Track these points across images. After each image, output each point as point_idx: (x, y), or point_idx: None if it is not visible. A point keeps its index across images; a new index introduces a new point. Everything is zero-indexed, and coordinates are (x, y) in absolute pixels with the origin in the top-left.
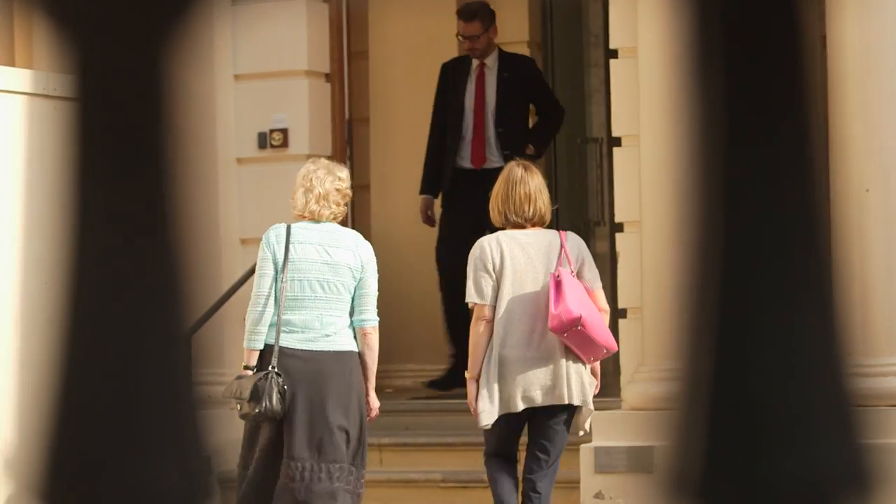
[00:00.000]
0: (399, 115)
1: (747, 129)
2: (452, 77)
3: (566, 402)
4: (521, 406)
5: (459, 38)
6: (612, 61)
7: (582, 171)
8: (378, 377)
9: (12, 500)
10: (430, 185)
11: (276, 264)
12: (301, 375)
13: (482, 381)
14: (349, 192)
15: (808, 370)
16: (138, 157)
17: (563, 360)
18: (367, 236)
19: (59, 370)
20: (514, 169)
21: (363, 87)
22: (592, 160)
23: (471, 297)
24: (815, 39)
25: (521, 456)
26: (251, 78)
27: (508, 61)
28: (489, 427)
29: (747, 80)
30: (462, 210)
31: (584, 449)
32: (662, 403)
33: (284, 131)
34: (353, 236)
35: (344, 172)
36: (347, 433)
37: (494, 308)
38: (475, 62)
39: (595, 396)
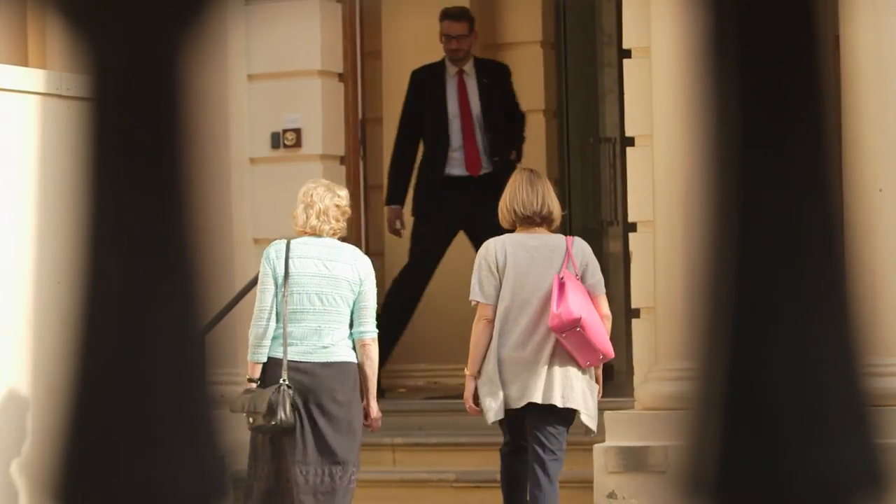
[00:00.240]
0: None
1: (761, 129)
2: (428, 84)
3: (552, 402)
4: (515, 404)
5: (443, 38)
6: (626, 61)
7: (595, 171)
8: (390, 377)
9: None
10: (398, 194)
11: (276, 279)
12: (301, 386)
13: (484, 379)
14: (348, 209)
15: (822, 369)
16: (152, 157)
17: (555, 363)
18: (378, 237)
19: (73, 370)
20: (523, 172)
21: (376, 87)
22: (606, 160)
23: (474, 295)
24: (829, 39)
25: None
26: (264, 78)
27: (485, 67)
28: (497, 423)
29: (761, 80)
30: (446, 218)
31: (598, 449)
32: (676, 403)
33: (298, 131)
34: (351, 251)
35: (343, 191)
36: (346, 440)
37: (496, 308)
38: (452, 69)
39: (608, 396)
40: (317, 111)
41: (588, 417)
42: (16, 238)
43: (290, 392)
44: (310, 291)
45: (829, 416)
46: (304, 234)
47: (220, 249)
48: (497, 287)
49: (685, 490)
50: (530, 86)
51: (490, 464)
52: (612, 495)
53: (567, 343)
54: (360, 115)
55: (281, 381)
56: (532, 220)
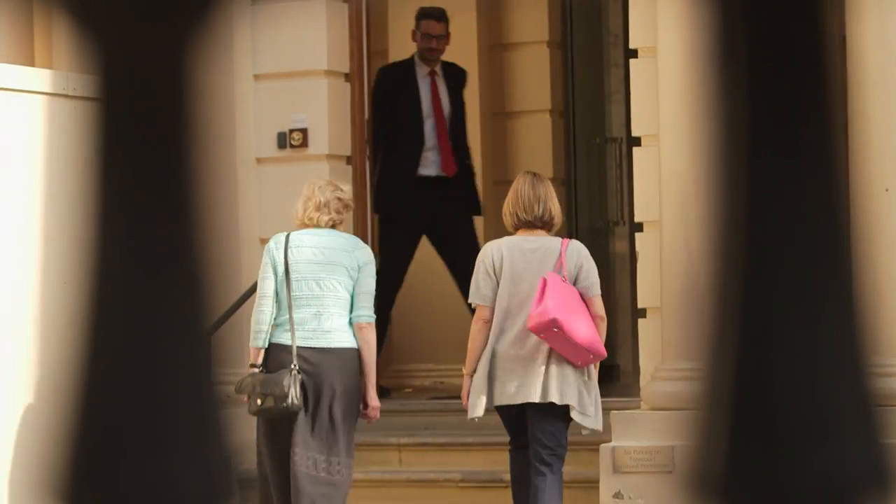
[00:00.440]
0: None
1: (768, 129)
2: (400, 83)
3: (548, 400)
4: (506, 401)
5: (422, 37)
6: (632, 61)
7: (602, 171)
8: (396, 377)
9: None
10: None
11: (275, 268)
12: (306, 372)
13: (476, 375)
14: (351, 203)
15: (829, 369)
16: (158, 156)
17: (553, 362)
18: None
19: (79, 370)
20: (526, 176)
21: None
22: (612, 160)
23: (472, 296)
24: (836, 39)
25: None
26: (271, 78)
27: (451, 70)
28: (476, 419)
29: (768, 80)
30: (416, 219)
31: (604, 449)
32: (682, 403)
33: (304, 131)
34: (351, 240)
35: (346, 186)
36: (345, 426)
37: (493, 309)
38: (424, 68)
39: (614, 396)
40: (323, 111)
41: (581, 416)
42: (22, 238)
43: (300, 377)
44: (308, 278)
45: (836, 417)
46: (304, 226)
47: (226, 249)
48: (494, 289)
49: (692, 490)
50: (536, 86)
51: (496, 464)
52: (618, 495)
53: (550, 343)
54: (366, 115)
55: (292, 367)
56: (533, 224)
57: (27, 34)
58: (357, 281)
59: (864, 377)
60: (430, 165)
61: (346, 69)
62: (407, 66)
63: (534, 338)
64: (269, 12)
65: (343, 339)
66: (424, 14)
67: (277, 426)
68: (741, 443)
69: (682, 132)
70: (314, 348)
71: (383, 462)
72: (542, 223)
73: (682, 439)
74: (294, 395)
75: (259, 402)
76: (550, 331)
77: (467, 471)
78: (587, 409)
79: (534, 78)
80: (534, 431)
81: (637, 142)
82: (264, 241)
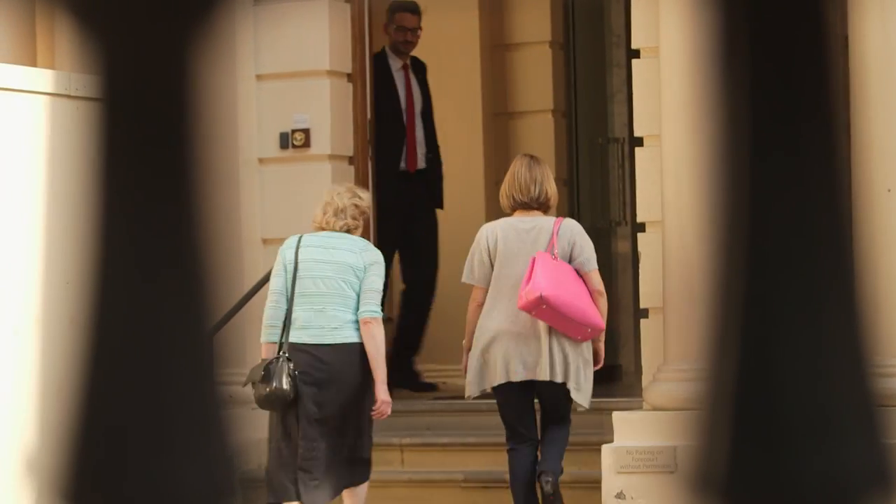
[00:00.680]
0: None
1: (771, 129)
2: (378, 76)
3: (548, 378)
4: (503, 378)
5: (397, 30)
6: (634, 61)
7: (604, 171)
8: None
9: (36, 500)
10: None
11: (286, 266)
12: (310, 368)
13: (472, 354)
14: (367, 210)
15: (831, 369)
16: (160, 157)
17: (548, 338)
18: None
19: (82, 370)
20: (523, 158)
21: None
22: (614, 160)
23: (465, 276)
24: (838, 39)
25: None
26: (273, 78)
27: (417, 64)
28: (473, 398)
29: (770, 80)
30: (399, 216)
31: (606, 449)
32: (685, 403)
33: (306, 131)
34: (360, 242)
35: (365, 193)
36: (354, 420)
37: (487, 290)
38: (398, 62)
39: (617, 396)
40: (325, 111)
41: (576, 392)
42: (25, 238)
43: (289, 365)
44: (314, 276)
45: (838, 417)
46: (321, 229)
47: (229, 249)
48: (488, 270)
49: (694, 490)
50: (539, 86)
51: (498, 464)
52: (620, 495)
53: (545, 320)
54: (368, 116)
55: (280, 354)
56: (528, 206)
57: (29, 34)
58: (363, 280)
59: (866, 377)
60: (405, 160)
61: (349, 69)
62: (381, 60)
63: (529, 315)
64: (272, 12)
65: (347, 335)
66: (399, 7)
67: (283, 417)
68: (743, 443)
69: (685, 132)
70: (320, 345)
71: (386, 462)
72: (537, 204)
73: (685, 439)
74: (280, 380)
75: (255, 391)
76: (540, 307)
77: (470, 471)
78: (583, 386)
79: (536, 78)
80: (543, 407)
81: (639, 142)
82: (266, 242)
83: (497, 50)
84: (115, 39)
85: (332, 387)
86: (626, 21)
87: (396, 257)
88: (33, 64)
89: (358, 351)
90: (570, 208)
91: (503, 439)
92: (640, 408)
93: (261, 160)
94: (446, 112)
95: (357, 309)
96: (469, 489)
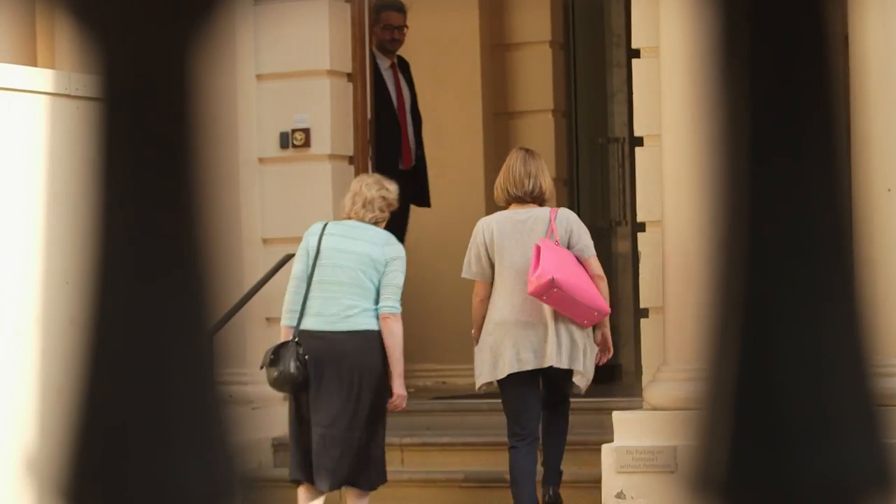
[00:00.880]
0: (421, 115)
1: (771, 129)
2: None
3: (555, 365)
4: (513, 368)
5: (384, 28)
6: (635, 61)
7: (604, 171)
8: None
9: (36, 500)
10: None
11: (308, 252)
12: (324, 354)
13: (478, 347)
14: (395, 203)
15: (831, 369)
16: (160, 157)
17: (560, 325)
18: None
19: (82, 370)
20: (518, 152)
21: None
22: (614, 160)
23: (464, 272)
24: (838, 39)
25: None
26: (273, 78)
27: (402, 63)
28: (482, 389)
29: (771, 79)
30: (398, 215)
31: (606, 448)
32: (685, 403)
33: (306, 131)
34: (385, 235)
35: (392, 185)
36: (368, 407)
37: (490, 283)
38: (386, 61)
39: (617, 396)
40: (325, 111)
41: (580, 377)
42: (25, 238)
43: (298, 349)
44: (334, 264)
45: (838, 417)
46: (349, 219)
47: (229, 249)
48: (487, 264)
49: (694, 490)
50: (539, 86)
51: (499, 463)
52: (620, 495)
53: (553, 305)
54: (368, 115)
55: (291, 338)
56: (523, 199)
57: (30, 34)
58: (384, 274)
59: (866, 377)
60: (400, 159)
61: (349, 69)
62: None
63: (534, 304)
64: (272, 12)
65: (364, 322)
66: (384, 6)
67: (296, 400)
68: (743, 443)
69: (685, 132)
70: (336, 331)
71: (386, 462)
72: (532, 198)
73: (685, 439)
74: (288, 364)
75: (266, 374)
76: (551, 291)
77: (470, 470)
78: (587, 371)
79: (536, 78)
80: (547, 395)
81: (639, 142)
82: (267, 241)
83: (497, 50)
84: (115, 39)
85: (347, 373)
86: (626, 21)
87: None
88: (33, 64)
89: (377, 338)
90: (570, 208)
91: (503, 439)
92: (640, 408)
93: (261, 160)
94: (446, 112)
95: (374, 300)
96: (469, 489)
